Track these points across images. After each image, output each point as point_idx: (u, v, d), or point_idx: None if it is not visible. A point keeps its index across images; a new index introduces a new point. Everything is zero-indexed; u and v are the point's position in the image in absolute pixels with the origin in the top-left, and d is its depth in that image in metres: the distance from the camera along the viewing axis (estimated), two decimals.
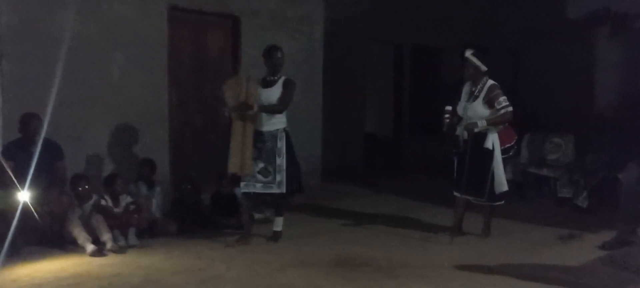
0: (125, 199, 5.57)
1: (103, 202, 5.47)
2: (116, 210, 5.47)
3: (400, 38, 10.42)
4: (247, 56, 7.36)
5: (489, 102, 5.46)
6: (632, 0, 11.04)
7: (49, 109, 5.58)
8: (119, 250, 5.15)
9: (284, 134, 5.41)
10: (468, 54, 5.58)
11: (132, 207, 5.54)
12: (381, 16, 9.72)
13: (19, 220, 4.85)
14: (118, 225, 5.37)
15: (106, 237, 5.16)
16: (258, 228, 6.08)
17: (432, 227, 6.16)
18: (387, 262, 4.92)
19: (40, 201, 5.09)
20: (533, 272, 4.62)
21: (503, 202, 5.70)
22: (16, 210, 4.88)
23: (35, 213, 5.00)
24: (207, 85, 7.16)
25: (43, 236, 5.24)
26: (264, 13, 7.50)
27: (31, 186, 5.03)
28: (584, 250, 5.33)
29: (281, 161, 5.34)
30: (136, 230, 5.49)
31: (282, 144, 5.37)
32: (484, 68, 5.54)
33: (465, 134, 5.53)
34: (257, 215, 6.41)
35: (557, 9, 12.07)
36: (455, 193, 5.79)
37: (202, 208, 6.28)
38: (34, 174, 5.09)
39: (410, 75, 10.80)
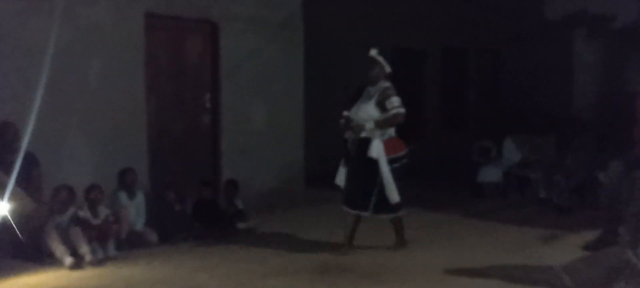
0: (104, 211, 5.46)
1: (81, 214, 5.36)
2: (95, 221, 5.36)
3: (382, 41, 10.40)
4: (227, 61, 7.29)
5: (381, 102, 5.16)
6: (608, 3, 11.21)
7: (25, 118, 5.47)
8: (98, 262, 5.06)
9: None
10: (374, 53, 5.35)
11: (111, 217, 5.44)
12: (362, 20, 9.71)
13: None
14: (97, 236, 5.27)
15: (85, 249, 5.06)
16: (240, 237, 6.02)
17: (415, 231, 6.13)
18: (372, 267, 4.90)
19: (18, 212, 4.97)
20: (516, 274, 4.63)
21: (402, 212, 5.34)
22: None
23: (14, 226, 4.88)
24: (186, 92, 7.08)
25: (20, 249, 5.11)
26: (243, 18, 7.42)
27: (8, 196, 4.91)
28: (566, 250, 5.35)
29: None
30: (116, 241, 5.40)
31: None
32: (388, 69, 5.33)
33: (352, 136, 5.23)
34: (240, 225, 6.35)
35: (536, 12, 12.19)
36: (344, 209, 5.38)
37: (183, 216, 6.19)
38: (9, 184, 4.97)
39: (393, 78, 10.80)
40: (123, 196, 5.86)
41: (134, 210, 5.86)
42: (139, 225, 5.86)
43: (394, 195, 5.15)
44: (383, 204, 5.19)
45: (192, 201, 6.38)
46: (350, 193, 5.32)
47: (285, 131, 7.91)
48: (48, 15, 5.93)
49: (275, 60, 7.74)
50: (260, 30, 7.58)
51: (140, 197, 5.99)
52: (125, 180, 5.94)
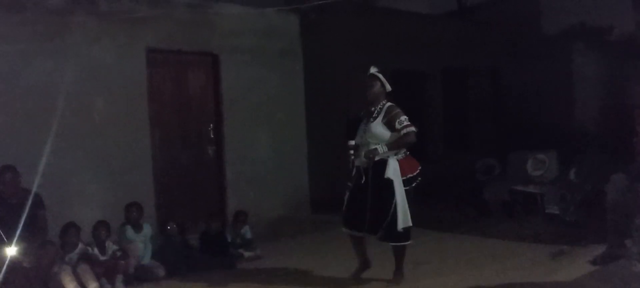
0: (111, 247, 5.49)
1: (89, 250, 5.38)
2: (102, 257, 5.39)
3: (381, 64, 10.48)
4: (229, 92, 7.37)
5: (389, 122, 4.88)
6: (605, 15, 11.27)
7: (30, 159, 5.52)
8: None
9: None
10: (374, 71, 5.14)
11: (118, 253, 5.46)
12: (361, 45, 9.80)
13: (4, 276, 4.75)
14: (105, 272, 5.29)
15: (93, 285, 5.08)
16: (248, 265, 6.02)
17: (424, 253, 6.11)
18: None
19: (24, 254, 4.99)
20: None
21: (409, 241, 4.93)
22: (2, 266, 4.78)
23: (21, 268, 4.90)
24: (189, 124, 7.15)
25: None
26: (243, 49, 7.52)
27: (14, 239, 4.93)
28: (575, 265, 5.33)
29: None
30: (124, 276, 5.41)
31: None
32: (388, 87, 5.10)
33: (365, 162, 4.89)
34: (247, 253, 6.36)
35: (533, 27, 12.27)
36: (345, 230, 5.10)
37: (190, 248, 6.20)
38: (15, 226, 4.99)
39: (394, 101, 10.86)
40: (130, 231, 5.88)
41: (141, 245, 5.87)
42: (147, 259, 5.87)
43: (406, 219, 4.80)
44: (392, 230, 4.83)
45: (199, 233, 6.39)
46: (355, 214, 4.95)
47: (289, 158, 7.95)
48: (50, 56, 6.03)
49: (276, 89, 7.82)
50: (260, 60, 7.67)
51: (147, 231, 6.01)
52: (132, 215, 5.96)
